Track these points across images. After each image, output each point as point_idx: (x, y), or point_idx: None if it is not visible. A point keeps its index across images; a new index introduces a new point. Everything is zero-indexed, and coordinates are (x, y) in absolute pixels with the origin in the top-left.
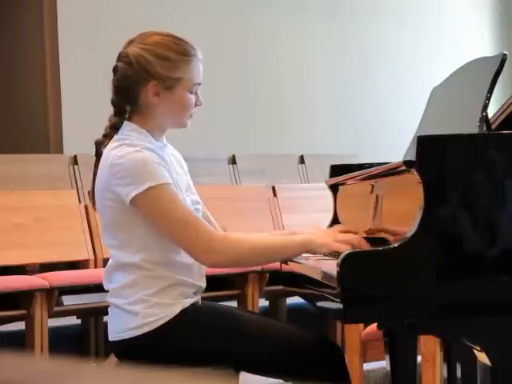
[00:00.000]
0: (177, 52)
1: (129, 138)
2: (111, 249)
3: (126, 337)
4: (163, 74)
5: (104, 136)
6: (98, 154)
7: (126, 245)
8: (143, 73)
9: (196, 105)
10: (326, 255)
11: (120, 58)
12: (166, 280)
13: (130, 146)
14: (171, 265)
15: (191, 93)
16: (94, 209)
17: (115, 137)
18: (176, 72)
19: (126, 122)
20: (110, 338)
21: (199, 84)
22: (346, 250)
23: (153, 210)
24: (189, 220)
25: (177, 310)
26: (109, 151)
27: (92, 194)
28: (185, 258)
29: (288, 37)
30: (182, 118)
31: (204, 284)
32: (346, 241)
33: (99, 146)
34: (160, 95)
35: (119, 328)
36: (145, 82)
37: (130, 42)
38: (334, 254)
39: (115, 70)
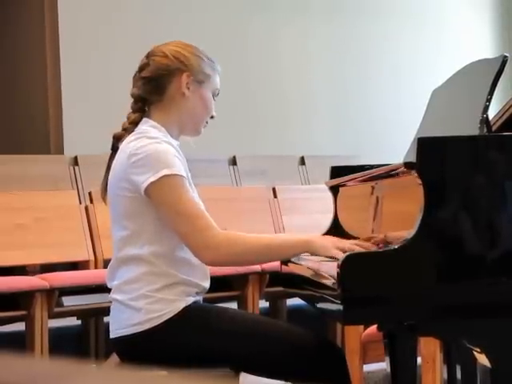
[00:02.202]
0: (205, 56)
1: (149, 131)
2: (119, 241)
3: (128, 333)
4: (196, 68)
5: (123, 130)
6: (115, 148)
7: (136, 236)
8: (179, 64)
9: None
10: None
11: (151, 54)
12: (170, 278)
13: (150, 138)
14: (176, 262)
15: (213, 97)
16: (105, 202)
17: (134, 131)
18: (207, 68)
19: (145, 119)
20: (112, 336)
21: (218, 92)
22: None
23: (163, 199)
24: (196, 215)
25: (180, 306)
26: (127, 143)
27: (104, 186)
28: (191, 256)
29: (289, 38)
30: (201, 120)
31: (207, 285)
32: (348, 249)
33: (117, 140)
34: (190, 88)
35: (121, 324)
36: (179, 72)
37: (159, 45)
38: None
39: (145, 65)
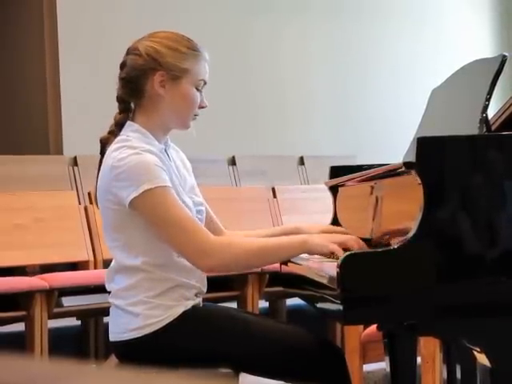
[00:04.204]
0: (186, 46)
1: (131, 139)
2: (113, 250)
3: (127, 338)
4: (171, 64)
5: (109, 133)
6: (103, 153)
7: (128, 247)
8: (152, 62)
9: (201, 106)
10: (324, 256)
11: (129, 52)
12: (168, 282)
13: (131, 148)
14: (172, 267)
15: (197, 89)
16: (98, 207)
17: (118, 137)
18: (184, 63)
19: (129, 122)
20: (111, 339)
21: (205, 82)
22: (341, 252)
23: (150, 213)
24: (185, 224)
25: (178, 311)
26: (111, 152)
27: (95, 193)
28: (185, 260)
29: (289, 38)
30: (185, 115)
31: (205, 286)
32: (343, 242)
33: (104, 144)
34: (166, 87)
35: (120, 329)
36: (152, 72)
37: (139, 39)
38: (334, 256)
39: (123, 64)
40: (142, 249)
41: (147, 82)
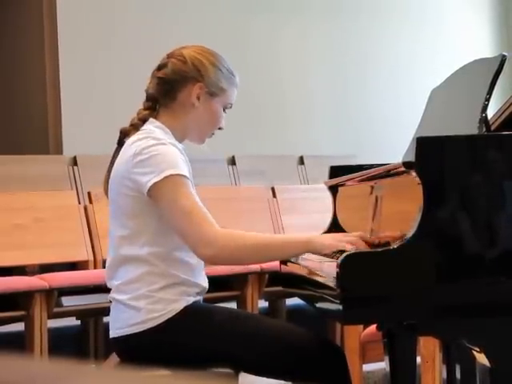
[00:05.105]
0: (225, 67)
1: (154, 132)
2: (118, 239)
3: (129, 332)
4: (212, 80)
5: (131, 125)
6: (121, 143)
7: (136, 236)
8: (195, 72)
9: (219, 127)
10: (327, 256)
11: (171, 56)
12: (170, 278)
13: (155, 139)
14: (176, 262)
15: (224, 110)
16: (107, 196)
17: (140, 131)
18: (222, 82)
19: (151, 119)
20: (112, 335)
21: (231, 106)
22: (350, 248)
23: (166, 197)
24: (196, 213)
25: (180, 306)
26: (132, 142)
27: (106, 181)
28: (189, 257)
29: (288, 38)
30: (206, 131)
31: (206, 285)
32: (349, 241)
33: (124, 135)
34: (200, 99)
35: (121, 324)
36: (193, 81)
37: (182, 47)
38: (333, 256)
39: (164, 65)
40: (149, 239)
41: (184, 90)
